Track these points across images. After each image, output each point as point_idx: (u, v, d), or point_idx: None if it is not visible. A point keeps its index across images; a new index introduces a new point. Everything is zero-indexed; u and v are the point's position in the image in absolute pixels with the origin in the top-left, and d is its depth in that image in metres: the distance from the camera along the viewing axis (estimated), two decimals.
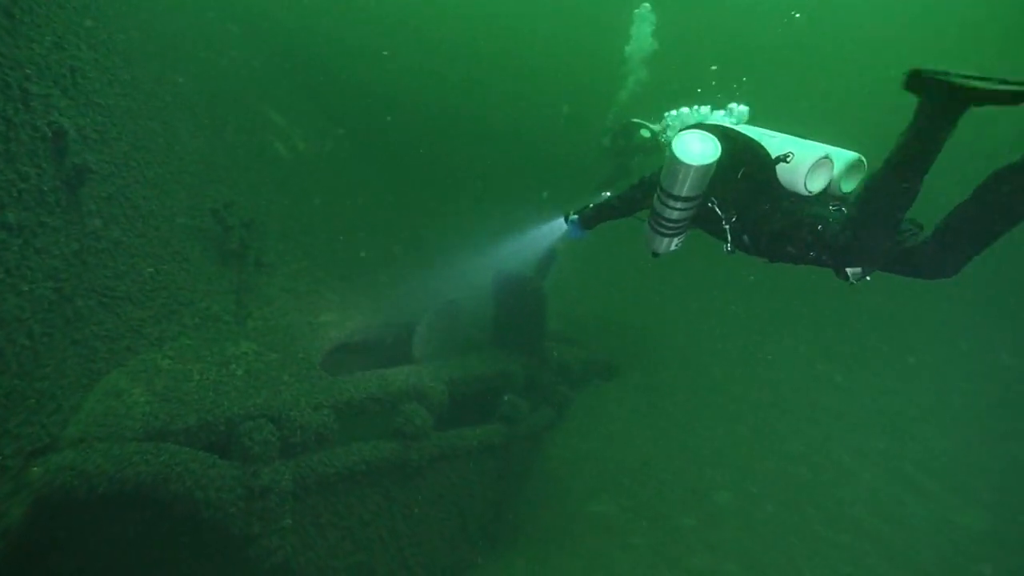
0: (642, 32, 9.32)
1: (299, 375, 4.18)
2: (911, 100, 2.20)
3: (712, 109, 3.47)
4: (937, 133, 2.13)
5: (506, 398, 5.18)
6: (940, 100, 2.08)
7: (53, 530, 3.07)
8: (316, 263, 5.94)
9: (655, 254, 3.38)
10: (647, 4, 9.47)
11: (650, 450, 7.81)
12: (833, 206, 2.78)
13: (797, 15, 14.74)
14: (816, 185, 2.77)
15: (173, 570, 3.64)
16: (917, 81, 2.14)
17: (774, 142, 2.91)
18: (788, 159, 2.77)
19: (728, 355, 10.44)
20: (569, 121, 11.89)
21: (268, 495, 3.55)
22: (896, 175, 2.25)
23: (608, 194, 3.82)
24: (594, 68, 11.21)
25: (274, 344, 4.48)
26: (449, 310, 5.90)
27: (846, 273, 2.61)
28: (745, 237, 2.94)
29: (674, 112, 3.66)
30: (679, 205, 3.00)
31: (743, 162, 2.96)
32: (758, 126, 3.22)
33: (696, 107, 3.54)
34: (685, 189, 2.93)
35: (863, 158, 2.85)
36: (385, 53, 11.66)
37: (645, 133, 5.25)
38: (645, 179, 3.44)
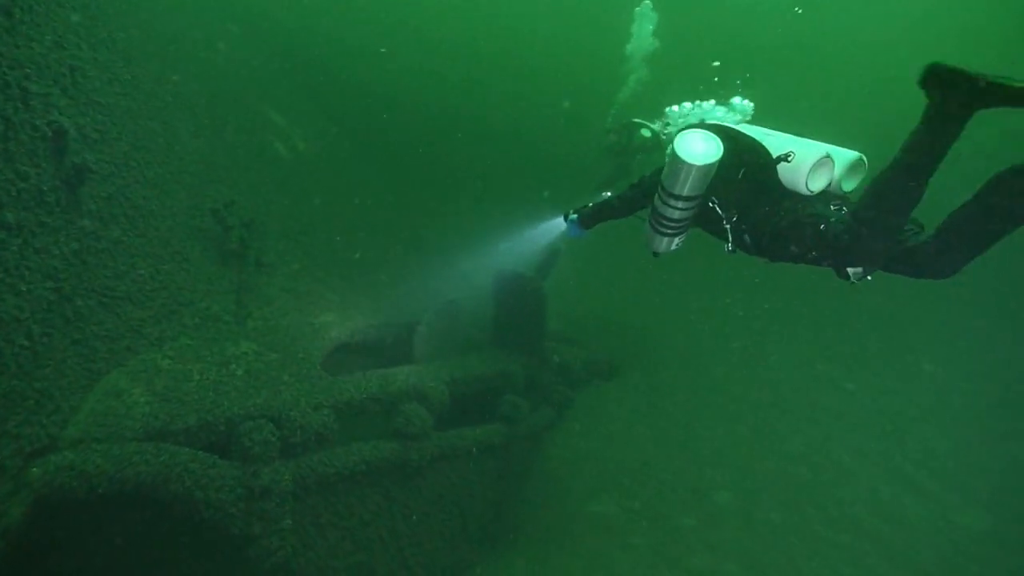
0: (643, 30, 9.31)
1: (299, 375, 4.17)
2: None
3: (716, 104, 3.46)
4: (950, 133, 2.09)
5: (506, 398, 5.18)
6: (962, 97, 2.00)
7: (53, 530, 3.06)
8: (316, 263, 5.93)
9: (655, 254, 3.38)
10: (648, 2, 9.46)
11: (650, 450, 7.80)
12: (834, 205, 2.78)
13: (799, 10, 14.72)
14: (817, 184, 2.77)
15: (173, 570, 3.64)
16: (938, 76, 2.04)
17: (774, 141, 2.90)
18: (789, 158, 2.77)
19: (728, 355, 10.43)
20: (570, 117, 11.88)
21: (268, 495, 3.54)
22: (905, 175, 2.22)
23: (608, 194, 3.82)
24: (595, 67, 11.20)
25: (274, 344, 4.48)
26: (449, 310, 5.89)
27: (847, 273, 2.61)
28: (746, 237, 2.93)
29: (675, 108, 3.66)
30: (680, 204, 3.00)
31: (744, 162, 2.96)
32: (759, 125, 3.22)
33: (698, 102, 3.54)
34: (686, 188, 2.92)
35: (863, 157, 2.85)
36: (383, 50, 11.65)
37: (645, 133, 5.25)
38: (645, 179, 3.44)
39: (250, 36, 8.71)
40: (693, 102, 3.57)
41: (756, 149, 2.93)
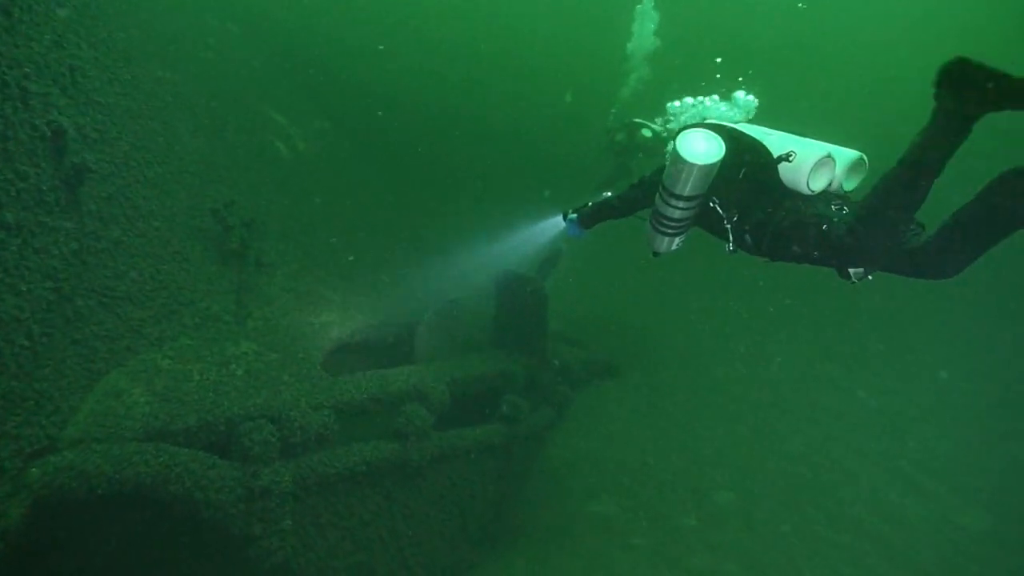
0: (644, 29, 9.32)
1: (299, 375, 4.17)
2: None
3: (720, 99, 3.45)
4: (960, 132, 2.06)
5: (506, 398, 5.17)
6: (986, 96, 1.93)
7: (52, 531, 3.06)
8: (316, 263, 5.93)
9: (656, 253, 3.38)
10: (649, 1, 9.46)
11: (650, 450, 7.81)
12: (835, 205, 2.77)
13: (802, 5, 14.68)
14: (818, 184, 2.76)
15: (173, 570, 3.63)
16: (962, 71, 1.95)
17: (775, 141, 2.90)
18: (790, 158, 2.76)
19: (728, 355, 10.44)
20: (570, 116, 11.88)
21: (268, 496, 3.54)
22: (913, 175, 2.21)
23: (608, 193, 3.81)
24: (596, 66, 11.21)
25: (274, 344, 4.47)
26: (450, 310, 5.89)
27: (848, 273, 2.61)
28: (747, 236, 2.93)
29: (677, 103, 3.65)
30: (681, 204, 3.00)
31: (745, 161, 2.95)
32: (760, 124, 3.21)
33: (700, 98, 3.53)
34: (688, 188, 2.92)
35: (864, 156, 2.85)
36: (380, 47, 11.64)
37: (646, 133, 5.26)
38: (645, 179, 3.44)
39: (250, 36, 8.70)
40: (695, 97, 3.56)
41: (757, 149, 2.92)
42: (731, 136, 3.00)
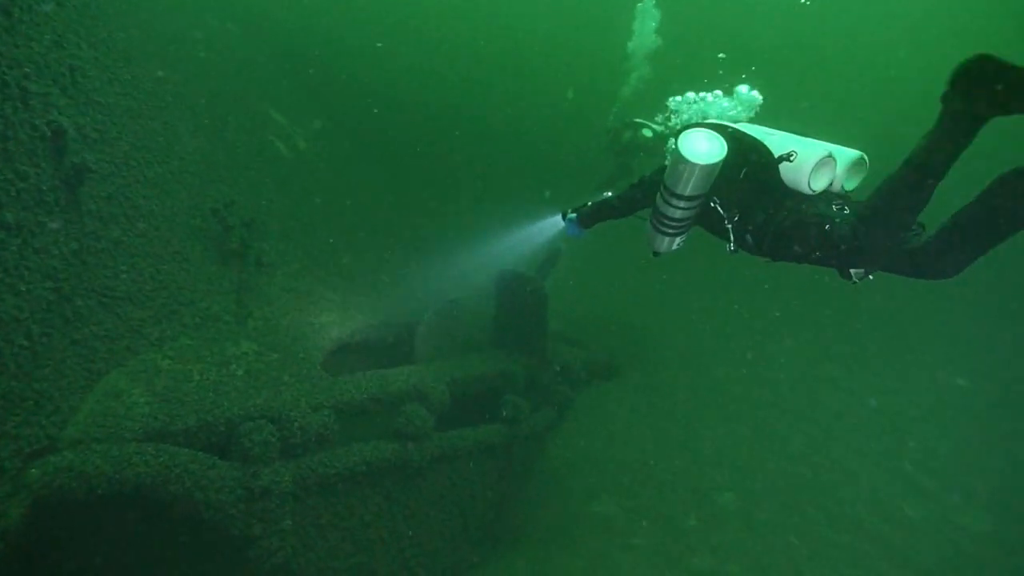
0: (645, 28, 9.31)
1: (299, 375, 4.17)
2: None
3: (723, 95, 3.45)
4: (967, 135, 2.05)
5: (507, 398, 5.17)
6: (996, 96, 1.90)
7: (52, 531, 3.05)
8: (316, 263, 5.93)
9: (656, 253, 3.37)
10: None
11: (651, 450, 7.80)
12: (836, 205, 2.77)
13: (805, 1, 14.62)
14: (819, 184, 2.76)
15: (173, 570, 3.63)
16: (981, 67, 1.92)
17: (776, 141, 2.89)
18: (791, 158, 2.76)
19: (729, 355, 10.43)
20: (571, 115, 11.87)
21: (268, 496, 3.53)
22: (919, 177, 2.21)
23: (609, 193, 3.80)
24: (596, 65, 11.20)
25: (274, 344, 4.47)
26: (450, 310, 5.88)
27: (849, 273, 2.60)
28: (748, 236, 2.92)
29: (678, 98, 3.64)
30: (682, 204, 2.99)
31: (746, 161, 2.95)
32: (761, 123, 3.21)
33: (702, 94, 3.52)
34: (689, 188, 2.91)
35: (865, 156, 2.84)
36: (379, 45, 11.63)
37: (647, 133, 5.25)
38: (646, 179, 3.43)
39: (250, 36, 8.70)
40: (697, 93, 3.55)
41: (758, 149, 2.92)
42: (732, 136, 2.99)
